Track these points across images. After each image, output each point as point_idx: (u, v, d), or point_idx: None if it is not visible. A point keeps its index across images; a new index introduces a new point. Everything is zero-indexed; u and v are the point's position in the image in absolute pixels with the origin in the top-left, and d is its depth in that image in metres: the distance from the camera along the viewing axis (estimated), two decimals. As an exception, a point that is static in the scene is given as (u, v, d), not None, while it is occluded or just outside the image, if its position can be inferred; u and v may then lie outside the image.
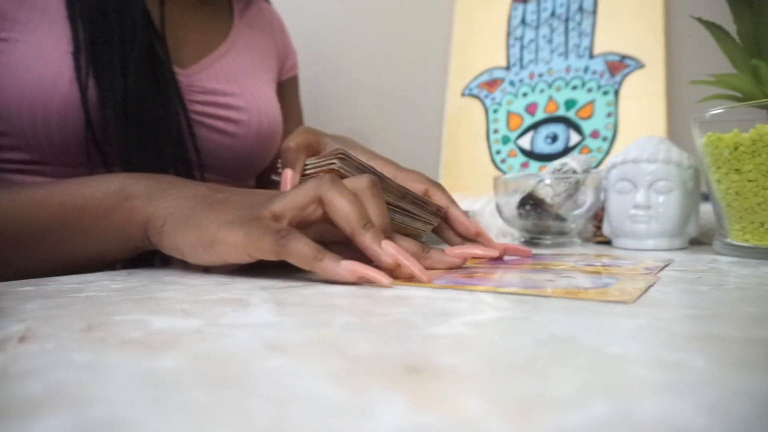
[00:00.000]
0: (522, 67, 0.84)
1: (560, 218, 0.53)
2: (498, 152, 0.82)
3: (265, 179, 0.64)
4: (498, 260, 0.36)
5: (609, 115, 0.75)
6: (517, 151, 0.81)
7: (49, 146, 0.43)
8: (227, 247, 0.28)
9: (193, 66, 0.52)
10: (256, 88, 0.56)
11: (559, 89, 0.80)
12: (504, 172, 0.81)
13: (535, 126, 0.80)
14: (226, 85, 0.53)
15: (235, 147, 0.53)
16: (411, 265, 0.26)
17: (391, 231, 0.30)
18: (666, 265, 0.35)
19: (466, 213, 0.39)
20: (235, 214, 0.29)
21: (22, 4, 0.44)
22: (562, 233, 0.53)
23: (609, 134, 0.75)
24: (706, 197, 0.51)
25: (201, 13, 0.56)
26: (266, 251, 0.27)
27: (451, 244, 0.38)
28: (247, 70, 0.56)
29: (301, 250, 0.26)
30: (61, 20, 0.45)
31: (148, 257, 0.45)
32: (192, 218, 0.30)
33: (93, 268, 0.35)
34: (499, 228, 0.61)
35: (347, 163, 0.34)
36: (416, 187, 0.39)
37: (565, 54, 0.81)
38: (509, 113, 0.83)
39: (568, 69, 0.80)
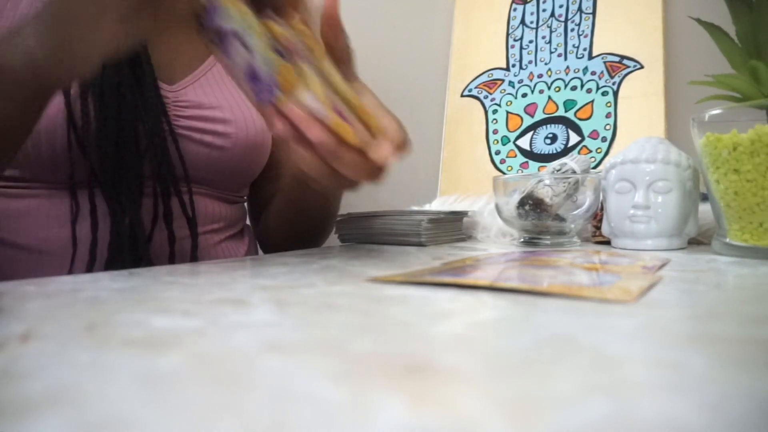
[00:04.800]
0: (521, 67, 0.84)
1: (559, 218, 0.53)
2: (497, 152, 0.82)
3: (258, 189, 0.63)
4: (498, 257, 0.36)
5: (608, 115, 0.75)
6: (517, 152, 0.81)
7: (38, 163, 0.43)
8: None
9: (180, 82, 0.52)
10: (244, 100, 0.56)
11: (558, 90, 0.80)
12: (503, 173, 0.81)
13: (534, 126, 0.81)
14: (213, 98, 0.53)
15: (224, 160, 0.53)
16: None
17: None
18: (663, 264, 0.35)
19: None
20: None
21: (9, 22, 0.44)
22: (561, 233, 0.53)
23: (608, 134, 0.75)
24: (705, 197, 0.51)
25: (190, 27, 0.55)
26: None
27: None
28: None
29: None
30: None
31: (148, 258, 0.46)
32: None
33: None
34: (499, 228, 0.61)
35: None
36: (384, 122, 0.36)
37: (564, 55, 0.81)
38: (508, 114, 0.83)
39: (567, 70, 0.80)
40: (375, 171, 0.33)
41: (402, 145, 0.34)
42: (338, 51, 0.36)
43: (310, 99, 0.31)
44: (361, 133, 0.32)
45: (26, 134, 0.38)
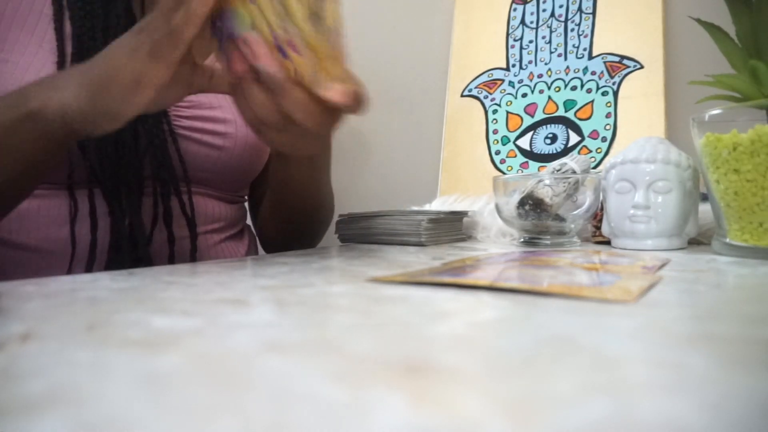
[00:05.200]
0: (521, 67, 0.84)
1: (559, 218, 0.53)
2: (497, 152, 0.82)
3: (258, 188, 0.63)
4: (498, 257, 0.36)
5: (608, 115, 0.75)
6: (517, 152, 0.81)
7: None
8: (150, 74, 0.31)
9: None
10: None
11: (558, 90, 0.80)
12: (503, 173, 0.81)
13: (534, 126, 0.81)
14: (212, 98, 0.53)
15: (223, 160, 0.53)
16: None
17: None
18: (663, 264, 0.35)
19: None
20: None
21: (9, 24, 0.44)
22: (561, 233, 0.53)
23: (608, 134, 0.75)
24: (705, 197, 0.51)
25: None
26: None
27: None
28: None
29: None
30: (48, 43, 0.45)
31: (148, 258, 0.46)
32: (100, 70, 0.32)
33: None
34: (499, 228, 0.61)
35: None
36: None
37: (565, 55, 0.81)
38: (508, 114, 0.83)
39: (567, 70, 0.80)
40: (326, 117, 0.32)
41: (357, 97, 0.31)
42: None
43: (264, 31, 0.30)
44: (312, 70, 0.30)
45: (44, 175, 0.39)
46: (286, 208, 0.57)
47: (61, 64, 0.44)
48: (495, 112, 0.84)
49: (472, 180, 0.83)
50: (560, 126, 0.78)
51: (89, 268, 0.44)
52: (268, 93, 0.31)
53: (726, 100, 0.45)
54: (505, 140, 0.82)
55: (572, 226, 0.53)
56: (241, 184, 0.58)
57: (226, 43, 0.33)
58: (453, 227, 0.61)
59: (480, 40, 0.88)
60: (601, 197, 0.53)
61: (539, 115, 0.80)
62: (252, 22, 0.31)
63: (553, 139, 0.78)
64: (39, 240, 0.44)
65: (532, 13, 0.84)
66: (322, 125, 0.32)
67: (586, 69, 0.78)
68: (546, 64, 0.82)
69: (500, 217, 0.56)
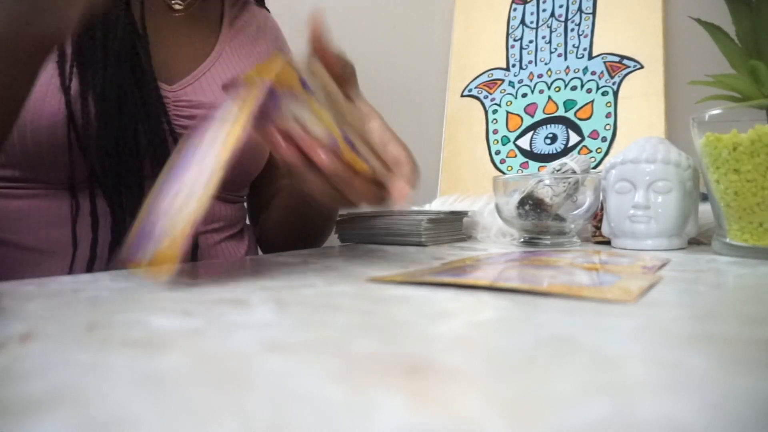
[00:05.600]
0: (521, 67, 0.84)
1: (559, 218, 0.53)
2: (497, 152, 0.82)
3: (258, 189, 0.63)
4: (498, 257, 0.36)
5: (608, 115, 0.75)
6: (517, 152, 0.81)
7: (39, 162, 0.43)
8: None
9: (180, 82, 0.51)
10: None
11: (558, 90, 0.80)
12: (503, 173, 0.81)
13: (534, 126, 0.81)
14: (212, 97, 0.53)
15: None
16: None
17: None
18: (663, 264, 0.35)
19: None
20: None
21: None
22: (561, 233, 0.53)
23: (608, 134, 0.75)
24: (705, 197, 0.51)
25: (190, 27, 0.55)
26: None
27: None
28: None
29: None
30: None
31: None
32: None
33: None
34: (499, 228, 0.61)
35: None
36: (391, 149, 0.37)
37: (565, 55, 0.81)
38: (508, 114, 0.83)
39: (567, 70, 0.80)
40: (383, 196, 0.34)
41: (414, 177, 0.35)
42: (335, 72, 0.36)
43: (316, 126, 0.31)
44: (372, 163, 0.32)
45: (17, 106, 0.37)
46: (304, 229, 0.58)
47: (61, 64, 0.44)
48: (495, 112, 0.84)
49: (472, 180, 0.83)
50: (560, 126, 0.78)
51: (90, 268, 0.44)
52: (324, 180, 0.32)
53: (726, 100, 0.45)
54: (505, 140, 0.82)
55: (572, 226, 0.53)
56: (241, 184, 0.58)
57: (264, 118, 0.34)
58: (453, 227, 0.61)
59: (480, 40, 0.88)
60: (601, 197, 0.53)
61: (539, 115, 0.80)
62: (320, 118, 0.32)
63: (553, 139, 0.78)
64: (40, 240, 0.44)
65: (532, 13, 0.84)
66: (379, 202, 0.34)
67: (586, 69, 0.78)
68: (546, 64, 0.82)
69: (500, 217, 0.56)
